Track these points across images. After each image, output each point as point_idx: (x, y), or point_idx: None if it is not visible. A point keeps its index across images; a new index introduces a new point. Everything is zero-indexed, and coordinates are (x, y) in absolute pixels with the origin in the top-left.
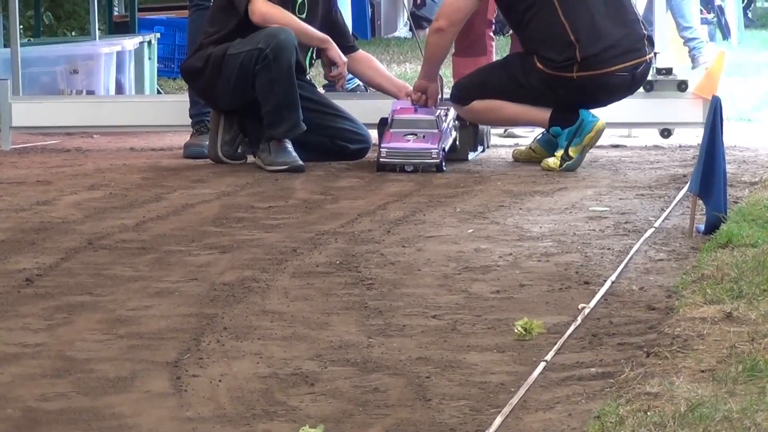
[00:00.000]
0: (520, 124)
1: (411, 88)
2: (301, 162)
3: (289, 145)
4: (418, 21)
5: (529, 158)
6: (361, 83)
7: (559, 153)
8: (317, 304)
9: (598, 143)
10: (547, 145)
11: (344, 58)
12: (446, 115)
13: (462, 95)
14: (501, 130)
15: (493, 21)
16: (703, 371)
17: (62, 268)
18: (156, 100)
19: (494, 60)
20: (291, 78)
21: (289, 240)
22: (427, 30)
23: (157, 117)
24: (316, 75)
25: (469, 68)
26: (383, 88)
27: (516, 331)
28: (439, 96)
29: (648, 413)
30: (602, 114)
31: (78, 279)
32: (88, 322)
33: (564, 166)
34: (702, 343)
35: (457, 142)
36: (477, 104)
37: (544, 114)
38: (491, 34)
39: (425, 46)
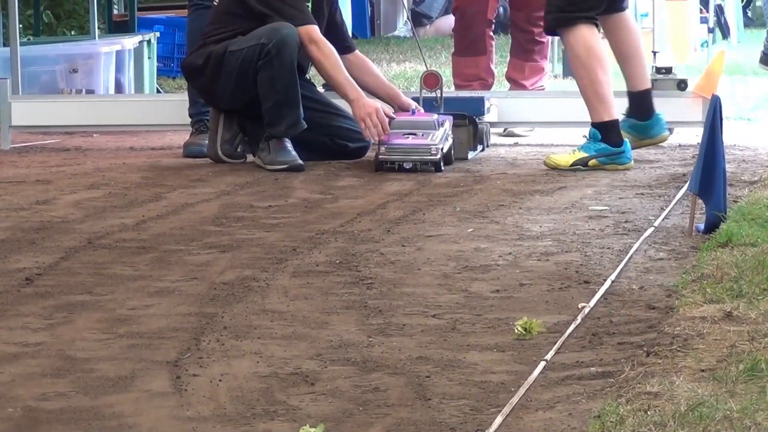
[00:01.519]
0: (588, 93)
1: (404, 98)
2: (300, 161)
3: (289, 144)
4: (417, 18)
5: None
6: None
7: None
8: (317, 303)
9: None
10: (633, 130)
11: (374, 119)
12: (443, 122)
13: (558, 18)
14: (501, 129)
15: (493, 21)
16: (703, 371)
17: (62, 267)
18: (155, 99)
19: (493, 58)
20: (293, 75)
21: (288, 239)
22: (428, 28)
23: (156, 116)
24: (315, 74)
25: (469, 67)
26: (376, 95)
27: (516, 331)
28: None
29: (648, 413)
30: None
31: (78, 278)
32: (88, 322)
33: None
34: (702, 343)
35: (452, 152)
36: (582, 36)
37: (611, 110)
38: (491, 33)
39: None
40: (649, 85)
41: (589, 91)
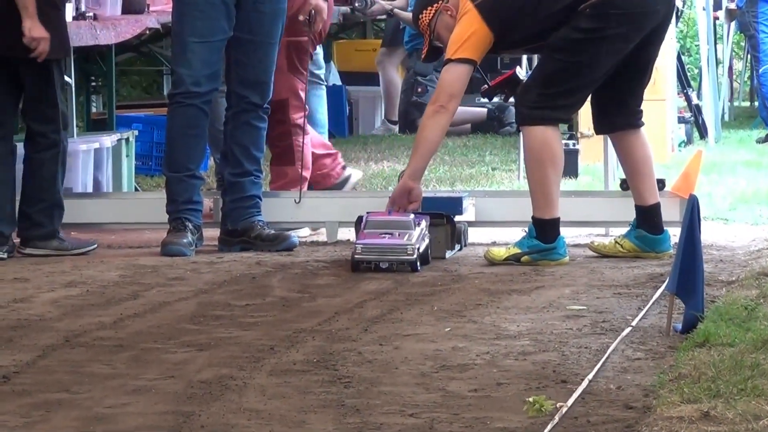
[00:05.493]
0: (536, 188)
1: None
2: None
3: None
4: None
5: (614, 253)
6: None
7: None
8: (294, 402)
9: (580, 240)
10: (640, 242)
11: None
12: (420, 222)
13: (530, 111)
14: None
15: (304, 130)
16: None
17: (39, 365)
18: (133, 198)
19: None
20: None
21: (266, 338)
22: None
23: (134, 214)
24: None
25: (279, 177)
26: None
27: (529, 404)
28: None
29: None
30: (580, 214)
31: (55, 376)
32: (65, 420)
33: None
34: None
35: (429, 251)
36: (542, 133)
37: (554, 209)
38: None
39: (418, 135)
40: (658, 200)
41: (538, 186)
